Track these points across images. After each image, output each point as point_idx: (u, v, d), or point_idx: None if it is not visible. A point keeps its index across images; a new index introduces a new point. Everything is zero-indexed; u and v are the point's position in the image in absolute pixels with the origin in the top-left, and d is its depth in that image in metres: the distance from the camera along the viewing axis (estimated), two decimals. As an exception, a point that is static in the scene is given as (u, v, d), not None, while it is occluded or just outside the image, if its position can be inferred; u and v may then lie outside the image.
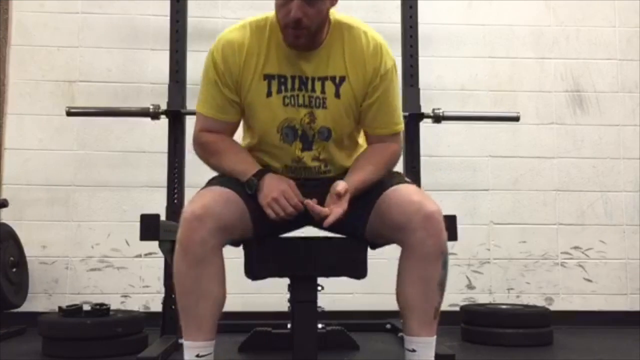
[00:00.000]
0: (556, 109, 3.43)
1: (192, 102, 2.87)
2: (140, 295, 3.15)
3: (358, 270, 1.77)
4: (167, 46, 2.82)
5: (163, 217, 2.27)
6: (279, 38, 1.64)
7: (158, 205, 2.78)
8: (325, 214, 1.57)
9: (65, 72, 3.26)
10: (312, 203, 1.58)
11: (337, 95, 1.66)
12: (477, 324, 2.76)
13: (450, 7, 3.43)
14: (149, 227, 2.08)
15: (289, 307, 1.85)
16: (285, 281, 1.82)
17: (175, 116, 2.75)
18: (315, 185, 1.71)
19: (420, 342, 1.60)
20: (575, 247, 3.34)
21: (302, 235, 1.79)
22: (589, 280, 3.32)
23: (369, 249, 1.76)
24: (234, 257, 1.72)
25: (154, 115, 2.76)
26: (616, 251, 3.35)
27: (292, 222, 1.67)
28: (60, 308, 2.44)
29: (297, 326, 1.76)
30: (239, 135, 1.80)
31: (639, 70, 3.46)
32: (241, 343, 2.53)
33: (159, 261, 2.71)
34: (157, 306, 2.70)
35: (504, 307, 2.87)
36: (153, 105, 2.77)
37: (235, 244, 1.71)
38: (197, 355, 1.56)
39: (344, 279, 1.82)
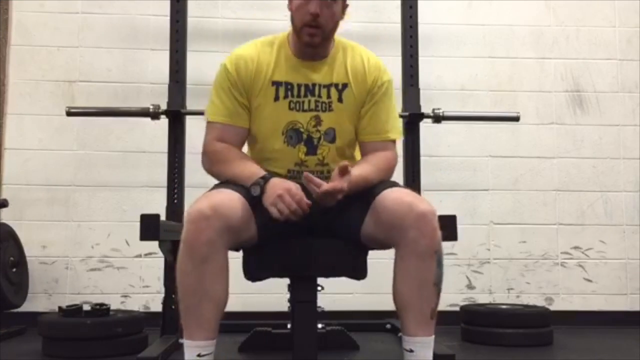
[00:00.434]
0: (556, 109, 3.43)
1: (192, 102, 2.89)
2: (140, 295, 3.15)
3: (358, 271, 1.77)
4: (167, 46, 2.82)
5: (163, 217, 2.27)
6: (288, 51, 1.79)
7: (158, 205, 2.78)
8: (324, 187, 1.57)
9: (65, 72, 3.26)
10: (310, 176, 1.60)
11: (340, 100, 1.77)
12: (477, 324, 2.76)
13: (450, 7, 3.43)
14: (149, 227, 2.08)
15: (289, 307, 1.85)
16: (285, 281, 1.82)
17: (175, 116, 2.75)
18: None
19: (418, 342, 1.61)
20: (575, 247, 3.34)
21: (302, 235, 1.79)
22: (589, 280, 3.32)
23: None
24: (234, 257, 1.71)
25: (154, 115, 2.76)
26: (616, 251, 3.35)
27: (294, 229, 1.66)
28: (60, 308, 2.44)
29: (297, 326, 1.76)
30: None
31: (639, 70, 3.46)
32: (241, 343, 2.53)
33: (159, 261, 2.71)
34: (157, 306, 2.70)
35: (504, 307, 2.87)
36: (153, 105, 2.77)
37: (235, 248, 1.70)
38: (199, 355, 1.56)
39: (344, 279, 1.82)
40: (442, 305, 3.35)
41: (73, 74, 3.27)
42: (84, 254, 3.17)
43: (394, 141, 1.83)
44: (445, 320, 2.99)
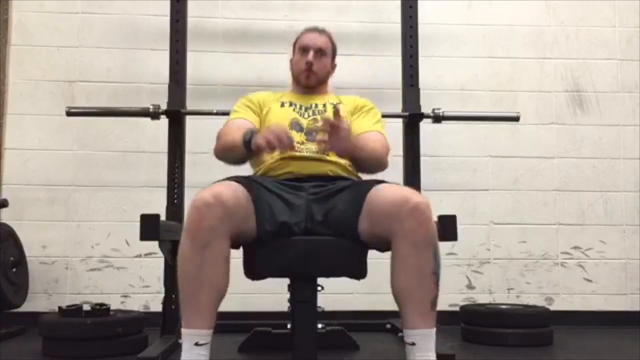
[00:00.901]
0: (556, 109, 3.43)
1: (192, 102, 2.89)
2: (140, 295, 3.15)
3: (358, 271, 1.77)
4: (167, 46, 2.82)
5: (163, 217, 2.26)
6: (291, 93, 2.19)
7: (158, 205, 2.78)
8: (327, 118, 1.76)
9: (65, 72, 3.26)
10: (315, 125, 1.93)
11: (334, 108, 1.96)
12: (477, 324, 2.76)
13: (450, 7, 3.43)
14: (149, 227, 2.08)
15: (289, 307, 1.85)
16: (285, 281, 1.82)
17: (175, 116, 2.75)
18: (317, 180, 1.86)
19: (419, 334, 1.62)
20: (575, 247, 3.34)
21: (302, 235, 1.79)
22: (589, 280, 3.32)
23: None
24: (234, 257, 1.71)
25: (154, 115, 2.76)
26: (616, 251, 3.35)
27: (291, 224, 1.72)
28: (60, 308, 2.44)
29: (297, 326, 1.76)
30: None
31: (639, 70, 3.46)
32: (241, 343, 2.53)
33: (159, 261, 2.71)
34: (157, 306, 2.70)
35: (504, 307, 2.87)
36: (153, 105, 2.77)
37: (237, 241, 1.71)
38: (196, 344, 1.58)
39: (344, 279, 1.82)
40: (442, 305, 3.35)
41: (73, 74, 3.27)
42: (84, 254, 3.17)
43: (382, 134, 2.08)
44: (445, 320, 3.00)
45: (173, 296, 2.59)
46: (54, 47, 3.27)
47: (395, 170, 2.50)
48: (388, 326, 2.92)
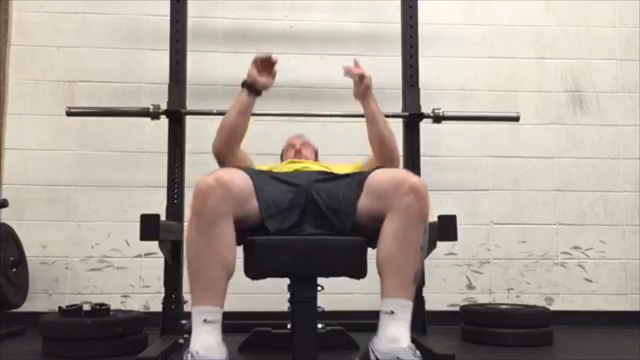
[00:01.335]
0: (556, 109, 3.43)
1: (192, 102, 2.89)
2: (140, 295, 3.15)
3: (358, 270, 1.77)
4: (167, 46, 2.81)
5: (163, 217, 2.26)
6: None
7: (158, 205, 2.78)
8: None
9: (65, 72, 3.26)
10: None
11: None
12: (477, 324, 2.76)
13: (450, 7, 3.43)
14: (149, 227, 2.08)
15: (289, 307, 1.85)
16: (285, 281, 1.82)
17: (175, 116, 2.75)
18: (324, 175, 1.98)
19: (399, 304, 1.68)
20: (575, 247, 3.34)
21: (302, 235, 1.80)
22: (589, 280, 3.32)
23: (369, 249, 1.77)
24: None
25: (154, 115, 2.76)
26: (616, 251, 3.35)
27: (293, 204, 1.82)
28: (60, 308, 2.44)
29: (297, 326, 1.76)
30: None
31: (639, 70, 3.46)
32: (241, 343, 2.53)
33: (159, 261, 2.70)
34: (157, 306, 2.70)
35: (504, 307, 2.87)
36: (153, 105, 2.76)
37: (242, 222, 1.75)
38: (205, 320, 1.62)
39: (344, 279, 1.82)
40: (442, 305, 3.37)
41: (73, 74, 3.27)
42: (84, 254, 3.17)
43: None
44: (445, 320, 3.02)
45: (173, 296, 2.60)
46: (54, 47, 3.27)
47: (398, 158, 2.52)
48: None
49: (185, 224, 1.84)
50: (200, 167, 1.86)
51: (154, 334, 2.53)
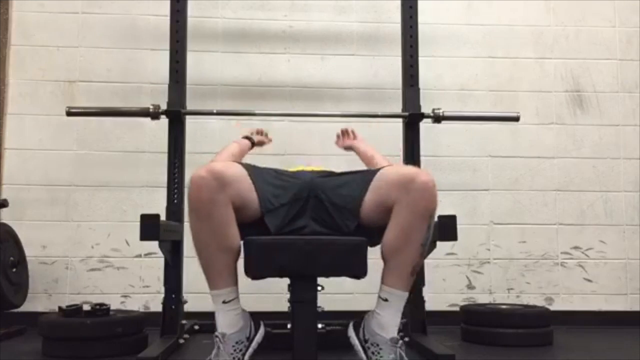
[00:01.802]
0: (556, 109, 3.43)
1: (192, 102, 2.89)
2: (140, 295, 3.15)
3: (358, 270, 1.77)
4: (167, 46, 2.81)
5: (163, 217, 2.26)
6: None
7: (158, 205, 2.78)
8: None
9: (65, 72, 3.26)
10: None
11: None
12: (477, 324, 2.75)
13: (450, 7, 3.43)
14: (149, 227, 2.08)
15: (289, 307, 1.85)
16: (285, 281, 1.82)
17: (175, 116, 2.75)
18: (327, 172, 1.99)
19: (394, 293, 1.75)
20: (575, 247, 3.34)
21: (302, 235, 1.80)
22: (589, 280, 3.32)
23: (369, 249, 1.77)
24: (234, 257, 1.72)
25: (154, 115, 2.76)
26: (616, 251, 3.35)
27: (296, 198, 1.83)
28: (60, 308, 2.44)
29: (297, 326, 1.77)
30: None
31: (639, 70, 3.46)
32: (241, 343, 2.52)
33: (159, 261, 2.71)
34: (157, 306, 2.70)
35: (504, 307, 2.87)
36: (153, 105, 2.76)
37: (241, 210, 1.76)
38: (224, 302, 1.74)
39: (344, 279, 1.82)
40: (442, 305, 3.37)
41: (73, 74, 3.27)
42: (84, 254, 3.17)
43: None
44: (445, 320, 3.02)
45: (173, 296, 2.60)
46: (54, 47, 3.27)
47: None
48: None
49: (186, 223, 1.84)
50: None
51: (154, 334, 2.53)
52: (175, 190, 2.70)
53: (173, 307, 2.58)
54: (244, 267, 1.77)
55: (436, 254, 2.38)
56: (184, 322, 2.64)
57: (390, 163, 2.26)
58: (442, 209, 1.95)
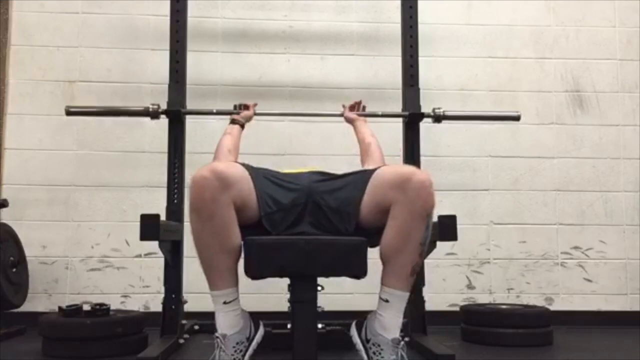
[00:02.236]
0: (556, 109, 3.43)
1: (192, 102, 2.89)
2: (140, 295, 3.15)
3: (358, 270, 1.77)
4: (167, 46, 2.81)
5: (163, 217, 2.27)
6: None
7: (158, 205, 2.78)
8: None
9: (65, 72, 3.26)
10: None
11: None
12: (477, 324, 2.76)
13: (450, 7, 3.43)
14: (149, 227, 2.08)
15: (289, 307, 1.85)
16: (285, 281, 1.82)
17: (175, 116, 2.75)
18: (325, 175, 1.97)
19: (395, 294, 1.75)
20: (575, 247, 3.34)
21: (302, 235, 1.80)
22: (589, 280, 3.32)
23: (369, 249, 1.77)
24: (234, 257, 1.72)
25: (154, 115, 2.76)
26: (616, 251, 3.35)
27: (294, 202, 1.83)
28: (60, 308, 2.44)
29: (297, 326, 1.77)
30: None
31: (639, 70, 3.46)
32: (241, 343, 2.52)
33: (159, 261, 2.71)
34: (157, 306, 2.70)
35: (504, 307, 2.87)
36: (153, 105, 2.77)
37: (241, 210, 1.76)
38: (224, 302, 1.74)
39: (344, 279, 1.82)
40: (442, 305, 3.37)
41: (73, 74, 3.27)
42: (84, 254, 3.17)
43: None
44: (445, 320, 3.02)
45: (173, 296, 2.60)
46: (54, 47, 3.27)
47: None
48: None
49: (186, 223, 1.84)
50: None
51: (154, 334, 2.53)
52: (175, 190, 2.70)
53: (173, 307, 2.58)
54: (244, 267, 1.77)
55: (436, 254, 2.38)
56: (184, 322, 2.64)
57: (382, 154, 2.34)
58: (442, 209, 1.96)
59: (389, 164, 2.19)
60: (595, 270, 3.33)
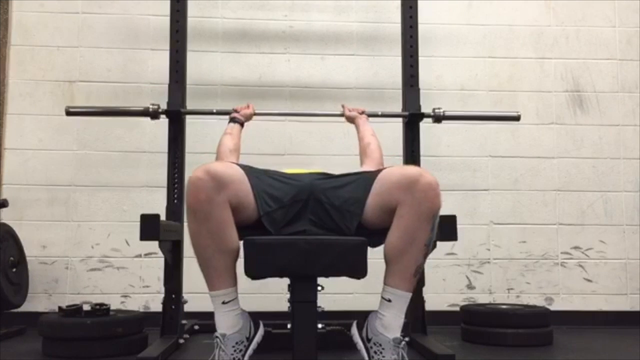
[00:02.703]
0: (556, 109, 3.43)
1: (192, 102, 2.89)
2: (140, 295, 3.15)
3: (358, 270, 1.77)
4: (167, 46, 2.82)
5: (163, 217, 2.26)
6: None
7: (158, 205, 2.79)
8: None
9: (65, 72, 3.26)
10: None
11: None
12: (477, 324, 2.76)
13: (450, 7, 3.43)
14: (149, 227, 2.08)
15: (289, 307, 1.85)
16: (285, 281, 1.82)
17: (175, 116, 2.75)
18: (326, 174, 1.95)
19: (397, 294, 1.75)
20: (575, 247, 3.34)
21: (302, 235, 1.79)
22: (589, 280, 3.32)
23: (369, 249, 1.77)
24: (234, 257, 1.72)
25: (154, 115, 2.76)
26: (616, 251, 3.35)
27: (294, 200, 1.82)
28: (60, 308, 2.44)
29: (297, 326, 1.77)
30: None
31: (639, 70, 3.46)
32: (241, 343, 2.52)
33: (159, 261, 2.71)
34: (157, 306, 2.70)
35: (504, 307, 2.87)
36: (153, 105, 2.77)
37: (238, 211, 1.75)
38: (223, 302, 1.74)
39: (344, 279, 1.82)
40: (442, 305, 3.37)
41: (73, 74, 3.27)
42: (84, 254, 3.17)
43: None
44: (445, 320, 3.02)
45: (173, 296, 2.60)
46: (54, 47, 3.27)
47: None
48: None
49: (186, 223, 1.84)
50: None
51: (154, 334, 2.54)
52: (175, 190, 2.70)
53: (173, 307, 2.59)
54: (244, 267, 1.77)
55: (436, 254, 2.38)
56: (184, 322, 2.64)
57: (382, 154, 2.34)
58: (442, 209, 1.95)
59: (387, 165, 2.17)
60: (595, 270, 3.33)
